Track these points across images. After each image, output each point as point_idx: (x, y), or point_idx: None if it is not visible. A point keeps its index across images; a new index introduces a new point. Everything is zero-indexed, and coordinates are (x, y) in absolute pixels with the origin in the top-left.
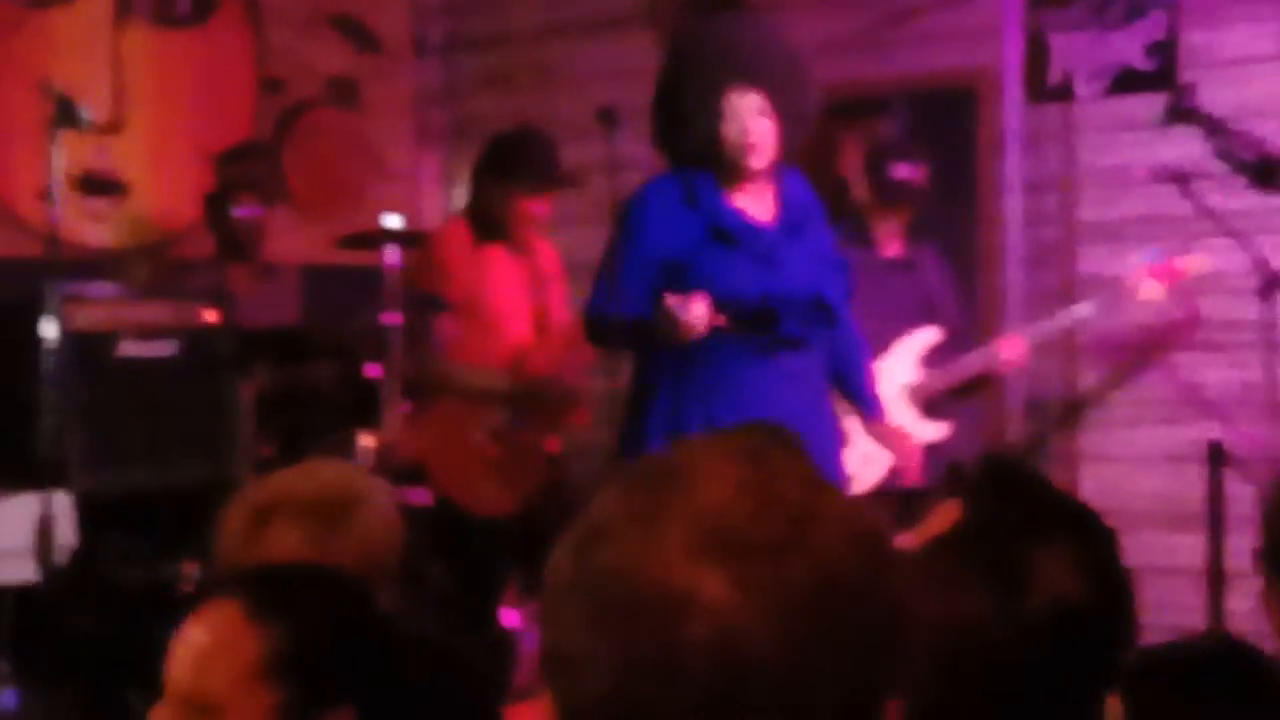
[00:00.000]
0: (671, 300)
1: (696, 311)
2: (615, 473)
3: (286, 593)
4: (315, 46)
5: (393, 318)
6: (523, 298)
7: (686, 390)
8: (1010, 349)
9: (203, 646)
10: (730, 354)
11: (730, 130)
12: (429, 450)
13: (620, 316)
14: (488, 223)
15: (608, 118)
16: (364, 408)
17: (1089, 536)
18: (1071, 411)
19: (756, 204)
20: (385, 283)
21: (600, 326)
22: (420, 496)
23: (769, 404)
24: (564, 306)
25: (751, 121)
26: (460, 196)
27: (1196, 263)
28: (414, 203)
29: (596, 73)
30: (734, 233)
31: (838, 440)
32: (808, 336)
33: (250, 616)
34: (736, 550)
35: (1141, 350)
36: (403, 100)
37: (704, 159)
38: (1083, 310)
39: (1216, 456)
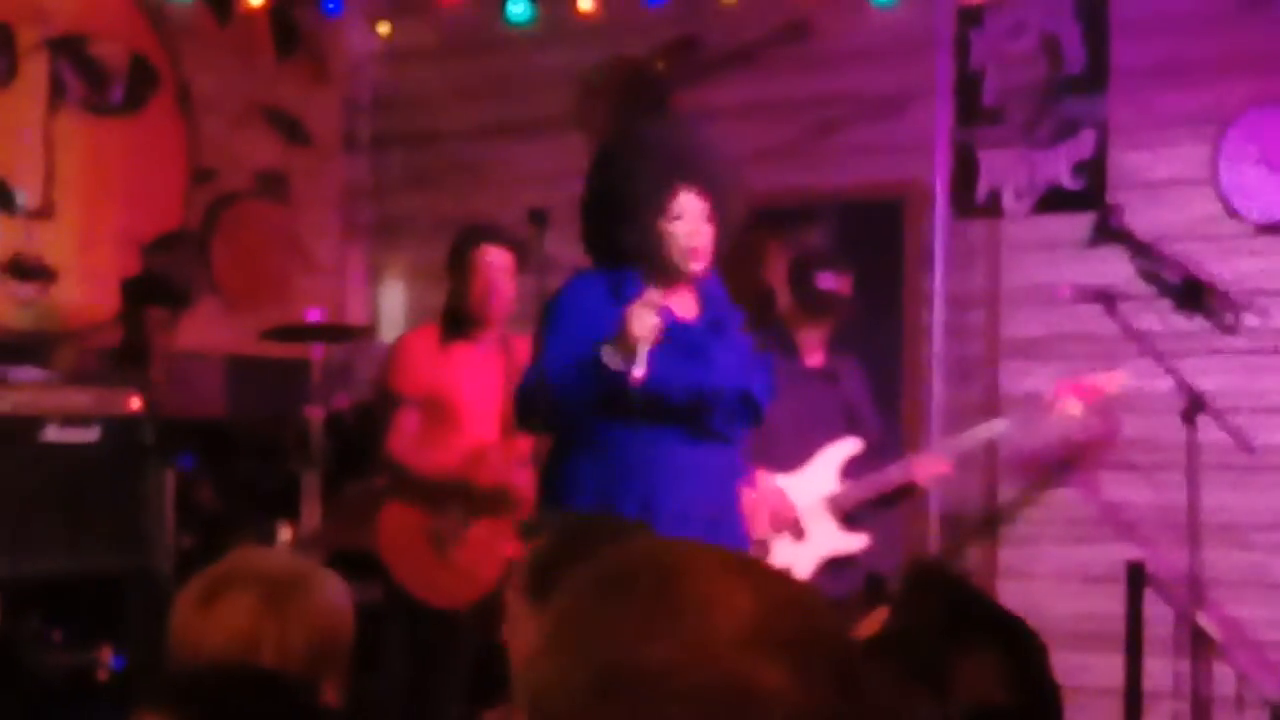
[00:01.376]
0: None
1: (651, 297)
2: (576, 575)
3: (219, 705)
4: (247, 138)
5: (315, 411)
6: (491, 396)
7: (613, 474)
8: (930, 464)
9: None
10: (659, 440)
11: (678, 230)
12: (384, 543)
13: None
14: (458, 319)
15: (538, 218)
16: (285, 500)
17: (1015, 644)
18: (988, 525)
19: (680, 304)
20: (310, 376)
21: (531, 397)
22: (367, 592)
23: (696, 494)
24: None
25: (698, 224)
26: (385, 294)
27: (1114, 381)
28: (339, 298)
29: (525, 174)
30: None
31: (746, 542)
32: (734, 433)
33: None
34: (779, 639)
35: (1058, 466)
36: (331, 195)
37: (639, 257)
38: (1000, 425)
39: (1137, 577)
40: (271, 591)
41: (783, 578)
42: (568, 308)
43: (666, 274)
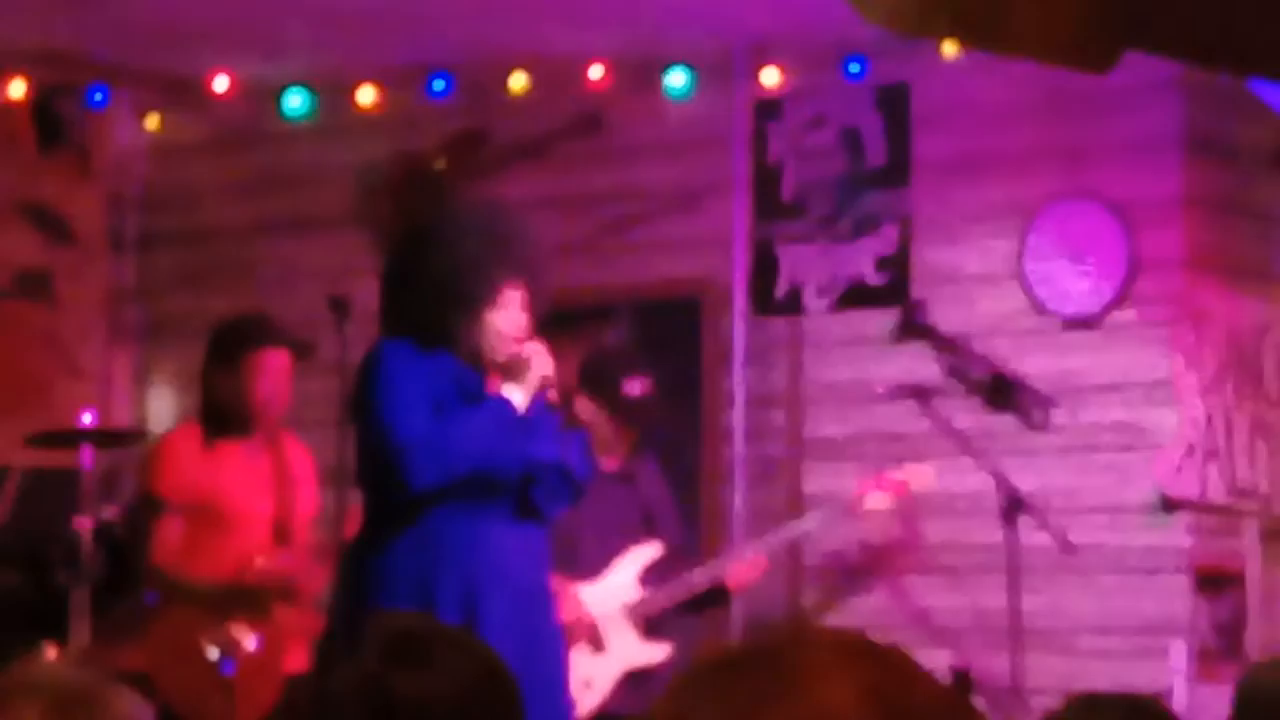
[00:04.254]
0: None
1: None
2: (693, 658)
3: None
4: (6, 236)
5: (84, 522)
6: (263, 499)
7: (433, 560)
8: (742, 567)
9: None
10: (481, 520)
11: (500, 320)
12: (152, 662)
13: (455, 420)
14: (222, 417)
15: (339, 307)
16: (52, 618)
17: None
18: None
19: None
20: (78, 485)
21: (439, 443)
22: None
23: (517, 579)
24: (312, 509)
25: (517, 314)
26: (156, 397)
27: (919, 475)
28: (105, 402)
29: (302, 271)
30: (483, 396)
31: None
32: (552, 511)
33: None
34: None
35: (861, 570)
36: (96, 296)
37: (456, 342)
38: (808, 523)
39: (963, 684)
40: (59, 702)
41: (921, 697)
42: (396, 366)
43: (482, 360)
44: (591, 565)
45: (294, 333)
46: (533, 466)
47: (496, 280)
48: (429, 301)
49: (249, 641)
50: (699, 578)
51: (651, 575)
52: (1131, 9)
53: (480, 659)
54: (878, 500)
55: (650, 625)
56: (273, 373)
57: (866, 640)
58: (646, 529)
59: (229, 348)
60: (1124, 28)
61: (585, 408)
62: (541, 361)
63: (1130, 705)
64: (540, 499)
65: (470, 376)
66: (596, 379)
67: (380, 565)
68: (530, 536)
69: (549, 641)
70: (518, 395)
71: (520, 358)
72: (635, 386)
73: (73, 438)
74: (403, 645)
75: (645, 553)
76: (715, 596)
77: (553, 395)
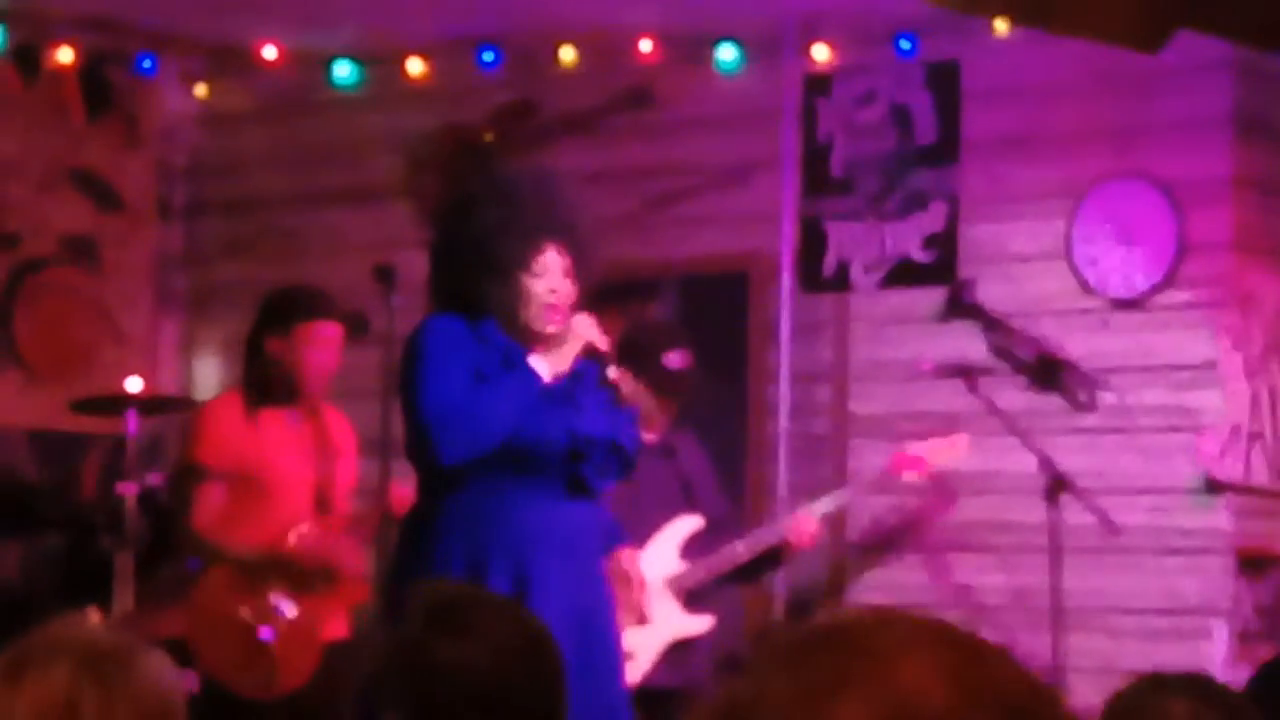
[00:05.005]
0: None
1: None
2: (772, 634)
3: None
4: (53, 202)
5: (129, 488)
6: (304, 468)
7: (487, 534)
8: (801, 524)
9: None
10: (531, 498)
11: (539, 287)
12: (191, 629)
13: (479, 394)
14: (267, 386)
15: (385, 275)
16: (95, 581)
17: None
18: (808, 602)
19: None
20: (124, 450)
21: (464, 416)
22: (184, 680)
23: (567, 560)
24: (352, 479)
25: (558, 282)
26: (202, 365)
27: (953, 447)
28: (150, 371)
29: (349, 242)
30: (529, 369)
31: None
32: (603, 486)
33: None
34: None
35: (896, 539)
36: (143, 263)
37: (497, 310)
38: (840, 495)
39: None
40: (89, 660)
41: (1003, 676)
42: (441, 341)
43: (522, 330)
44: (632, 538)
45: (346, 306)
46: (582, 441)
47: (531, 244)
48: (465, 268)
49: (288, 609)
50: (741, 549)
51: (692, 548)
52: None
53: (522, 627)
54: (911, 475)
55: (691, 597)
56: (324, 344)
57: (945, 623)
58: (686, 502)
59: (281, 317)
60: (1176, 7)
61: (625, 380)
62: (583, 332)
63: (1196, 683)
64: (590, 474)
65: (516, 351)
66: (636, 351)
67: (431, 542)
68: (581, 512)
69: (601, 617)
70: (544, 366)
71: (561, 330)
72: (674, 359)
73: (118, 404)
74: (445, 612)
75: (686, 525)
76: (764, 562)
77: (613, 373)
